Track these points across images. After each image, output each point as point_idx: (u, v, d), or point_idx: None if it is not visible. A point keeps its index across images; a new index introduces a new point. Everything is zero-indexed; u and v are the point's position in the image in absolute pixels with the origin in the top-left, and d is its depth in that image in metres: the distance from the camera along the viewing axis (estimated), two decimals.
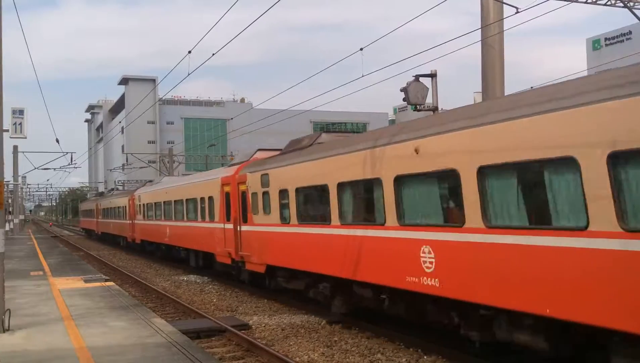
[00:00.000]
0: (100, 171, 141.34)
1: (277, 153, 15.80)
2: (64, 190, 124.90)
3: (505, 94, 14.90)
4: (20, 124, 11.36)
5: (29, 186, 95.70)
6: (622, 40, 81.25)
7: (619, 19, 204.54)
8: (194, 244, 22.18)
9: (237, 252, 16.95)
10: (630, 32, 78.99)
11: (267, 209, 14.78)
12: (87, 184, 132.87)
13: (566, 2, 14.61)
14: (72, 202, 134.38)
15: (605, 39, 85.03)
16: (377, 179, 10.06)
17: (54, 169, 50.37)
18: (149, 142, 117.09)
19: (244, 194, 16.44)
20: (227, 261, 17.97)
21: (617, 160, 6.21)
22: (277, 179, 14.19)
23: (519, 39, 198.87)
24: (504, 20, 14.62)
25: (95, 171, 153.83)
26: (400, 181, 9.52)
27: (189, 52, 19.34)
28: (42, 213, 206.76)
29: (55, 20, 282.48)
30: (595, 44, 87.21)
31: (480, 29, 14.83)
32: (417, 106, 17.41)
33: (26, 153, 46.62)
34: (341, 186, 11.24)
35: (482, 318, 8.38)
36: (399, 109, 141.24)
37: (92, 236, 54.39)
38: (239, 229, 16.87)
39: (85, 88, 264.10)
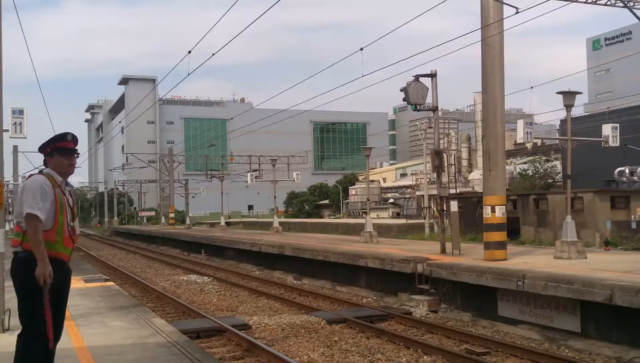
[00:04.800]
0: (100, 171, 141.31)
1: None
2: None
3: (505, 95, 14.91)
4: (20, 124, 11.31)
5: None
6: (622, 41, 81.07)
7: (619, 19, 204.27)
8: None
9: None
10: (630, 32, 78.79)
11: None
12: (87, 184, 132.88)
13: (566, 2, 14.59)
14: None
15: (605, 39, 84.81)
16: None
17: None
18: (149, 142, 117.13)
19: None
20: None
21: None
22: None
23: (519, 39, 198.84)
24: (504, 20, 14.59)
25: (95, 171, 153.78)
26: None
27: (189, 52, 19.34)
28: None
29: (55, 20, 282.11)
30: (595, 44, 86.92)
31: (480, 29, 14.82)
32: (417, 106, 17.39)
33: (26, 153, 46.53)
34: None
35: None
36: (398, 109, 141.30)
37: None
38: None
39: (85, 88, 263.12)
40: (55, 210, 4.85)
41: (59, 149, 5.02)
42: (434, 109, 17.77)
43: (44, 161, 5.06)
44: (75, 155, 5.14)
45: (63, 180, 5.02)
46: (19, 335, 4.91)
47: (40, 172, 5.05)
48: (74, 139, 5.11)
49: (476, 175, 58.92)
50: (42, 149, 5.07)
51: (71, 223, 5.02)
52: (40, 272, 4.61)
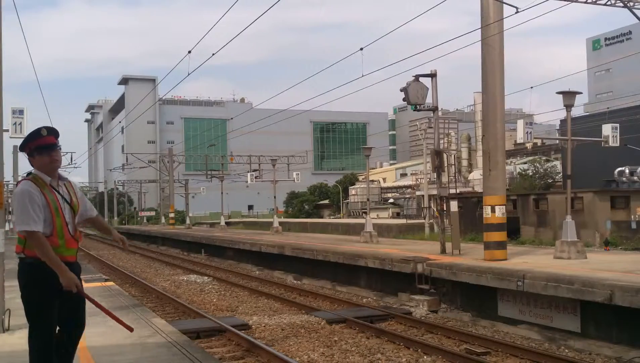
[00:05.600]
0: (100, 171, 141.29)
1: None
2: None
3: (505, 95, 14.91)
4: (20, 124, 11.31)
5: None
6: (622, 41, 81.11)
7: (619, 19, 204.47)
8: None
9: None
10: (630, 32, 78.83)
11: None
12: (87, 184, 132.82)
13: (566, 2, 14.58)
14: None
15: (605, 39, 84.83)
16: None
17: None
18: (149, 142, 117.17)
19: None
20: None
21: None
22: None
23: (519, 39, 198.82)
24: (504, 20, 14.60)
25: (95, 171, 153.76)
26: None
27: (189, 52, 19.35)
28: None
29: (55, 20, 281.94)
30: (595, 44, 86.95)
31: (480, 29, 14.82)
32: (417, 106, 17.40)
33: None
34: None
35: None
36: (399, 109, 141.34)
37: None
38: None
39: (85, 88, 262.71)
40: (51, 214, 4.66)
41: (38, 148, 4.69)
42: (434, 109, 17.77)
43: (29, 161, 4.78)
44: (58, 148, 4.79)
45: (52, 178, 4.76)
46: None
47: (29, 174, 4.81)
48: (52, 132, 4.74)
49: (476, 175, 58.91)
50: (22, 149, 4.78)
51: (71, 222, 4.87)
52: (65, 283, 4.66)
